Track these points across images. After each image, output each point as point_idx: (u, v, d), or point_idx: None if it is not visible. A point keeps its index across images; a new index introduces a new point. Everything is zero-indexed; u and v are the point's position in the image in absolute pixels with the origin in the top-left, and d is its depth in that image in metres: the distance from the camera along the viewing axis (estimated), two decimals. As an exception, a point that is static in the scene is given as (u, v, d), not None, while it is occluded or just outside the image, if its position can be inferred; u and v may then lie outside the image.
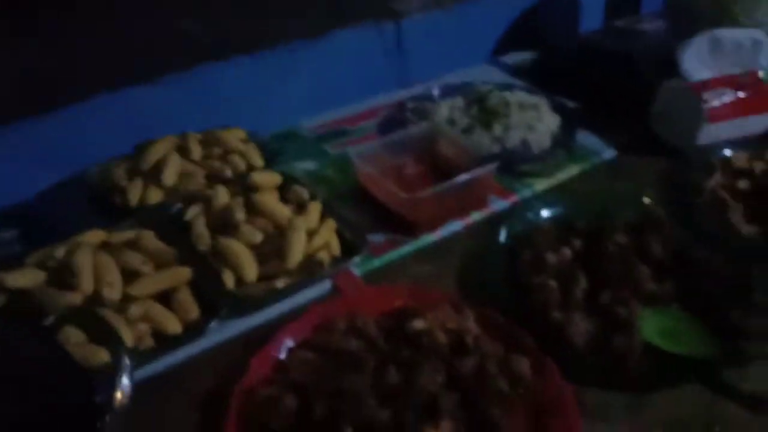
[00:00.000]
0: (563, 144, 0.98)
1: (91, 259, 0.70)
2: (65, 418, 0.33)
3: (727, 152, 0.94)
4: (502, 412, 0.55)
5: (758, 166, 0.89)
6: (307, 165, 0.98)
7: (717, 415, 0.60)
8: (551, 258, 0.73)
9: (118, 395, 0.35)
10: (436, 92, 1.11)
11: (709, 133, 0.96)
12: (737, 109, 0.96)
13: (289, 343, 0.65)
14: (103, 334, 0.38)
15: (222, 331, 0.69)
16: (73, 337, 0.46)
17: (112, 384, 0.35)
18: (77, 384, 0.34)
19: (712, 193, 0.87)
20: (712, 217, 0.83)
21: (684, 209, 0.85)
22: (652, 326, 0.67)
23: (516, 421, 0.57)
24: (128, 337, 0.63)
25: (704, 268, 0.72)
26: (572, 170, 0.95)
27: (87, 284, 0.67)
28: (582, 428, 0.57)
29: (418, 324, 0.65)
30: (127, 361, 0.36)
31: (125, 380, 0.36)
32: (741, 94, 0.96)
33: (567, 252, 0.75)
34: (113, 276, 0.68)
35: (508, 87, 1.09)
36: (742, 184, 0.87)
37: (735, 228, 0.81)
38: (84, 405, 0.33)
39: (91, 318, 0.39)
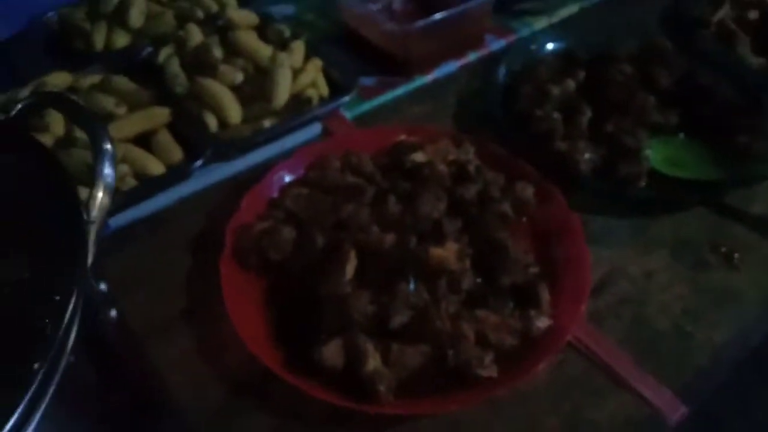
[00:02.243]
0: (563, -21, 0.91)
1: (58, 101, 0.64)
2: (40, 224, 0.29)
3: (737, -17, 0.88)
4: (506, 233, 0.53)
5: (770, -5, 0.84)
6: (285, 9, 0.90)
7: (723, 236, 0.60)
8: (554, 89, 0.69)
9: (99, 193, 0.30)
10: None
11: (718, -37, 0.89)
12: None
13: (282, 180, 0.62)
14: (79, 120, 0.33)
15: (209, 175, 0.65)
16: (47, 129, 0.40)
17: (92, 178, 0.31)
18: (53, 182, 0.30)
19: (719, 24, 0.82)
20: (720, 48, 0.79)
21: (690, 42, 0.80)
22: (657, 154, 0.65)
23: (522, 245, 0.55)
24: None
25: (711, 96, 0.69)
26: (572, 8, 0.89)
27: (57, 127, 0.62)
28: (587, 250, 0.55)
29: (418, 156, 0.61)
30: (109, 146, 0.32)
31: (108, 170, 0.31)
32: None
33: (570, 83, 0.70)
34: (85, 118, 0.63)
35: None
36: (752, 14, 0.82)
37: (743, 59, 0.77)
38: (63, 207, 0.29)
39: (62, 104, 0.34)
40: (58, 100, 0.35)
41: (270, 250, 0.53)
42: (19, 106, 0.33)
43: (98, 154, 0.31)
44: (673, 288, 0.56)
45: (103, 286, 0.31)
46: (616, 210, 0.62)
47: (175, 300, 0.55)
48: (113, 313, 0.31)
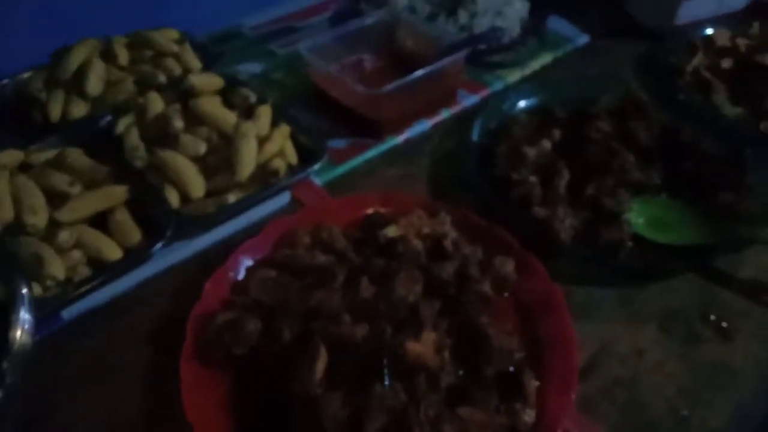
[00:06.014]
0: (534, 31, 0.90)
1: (8, 182, 0.60)
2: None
3: (709, 31, 0.87)
4: (487, 317, 0.50)
5: (742, 43, 0.83)
6: (252, 68, 0.87)
7: (713, 303, 0.57)
8: (530, 151, 0.66)
9: (17, 333, 0.27)
10: (392, -20, 0.99)
11: (688, 10, 0.89)
12: (717, -17, 0.88)
13: (247, 261, 0.58)
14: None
15: (170, 255, 0.61)
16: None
17: (8, 321, 0.27)
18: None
19: (694, 74, 0.81)
20: (696, 99, 0.78)
21: (665, 93, 0.79)
22: (640, 217, 0.62)
23: (503, 326, 0.52)
24: (59, 268, 0.55)
25: (692, 151, 0.67)
26: (545, 59, 0.88)
27: (5, 211, 0.58)
28: (573, 328, 0.52)
29: (391, 231, 0.58)
30: (25, 291, 0.28)
31: (24, 315, 0.28)
32: (721, -34, 0.88)
33: (546, 144, 0.68)
34: (36, 200, 0.59)
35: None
36: (726, 63, 0.81)
37: (720, 109, 0.76)
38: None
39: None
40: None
41: (234, 345, 0.49)
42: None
43: (14, 300, 0.28)
44: (665, 366, 0.53)
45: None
46: (601, 278, 0.59)
47: (134, 401, 0.51)
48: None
